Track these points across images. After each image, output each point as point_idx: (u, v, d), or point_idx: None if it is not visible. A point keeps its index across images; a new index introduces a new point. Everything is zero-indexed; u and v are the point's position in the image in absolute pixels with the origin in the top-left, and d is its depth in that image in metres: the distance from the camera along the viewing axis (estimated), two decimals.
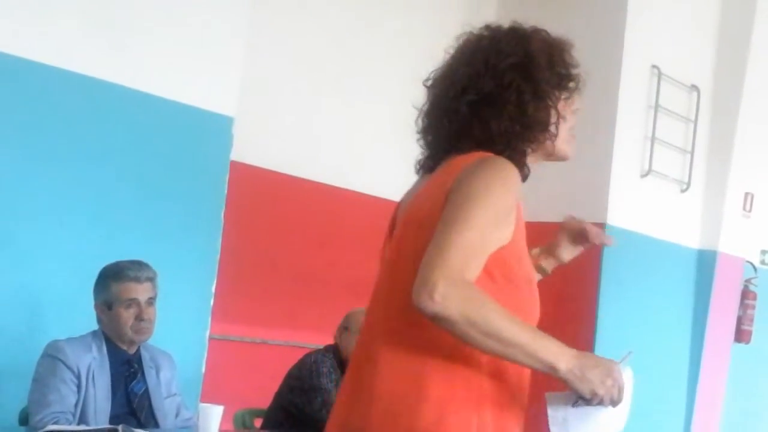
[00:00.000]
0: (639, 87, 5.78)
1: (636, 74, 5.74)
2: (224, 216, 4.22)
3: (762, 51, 6.27)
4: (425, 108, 1.99)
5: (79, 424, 3.10)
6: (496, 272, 1.75)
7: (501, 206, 1.73)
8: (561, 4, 5.90)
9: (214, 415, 2.96)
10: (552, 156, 1.99)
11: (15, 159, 3.63)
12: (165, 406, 3.35)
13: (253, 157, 4.70)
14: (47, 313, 3.67)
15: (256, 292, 4.88)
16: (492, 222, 1.71)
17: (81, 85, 3.78)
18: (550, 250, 2.38)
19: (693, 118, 6.11)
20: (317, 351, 3.91)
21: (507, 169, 1.78)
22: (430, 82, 2.01)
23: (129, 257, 3.37)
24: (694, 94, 6.12)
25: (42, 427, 2.89)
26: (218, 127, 4.16)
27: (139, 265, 3.32)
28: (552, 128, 1.89)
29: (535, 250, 2.31)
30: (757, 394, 6.86)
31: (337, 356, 3.86)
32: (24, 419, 3.24)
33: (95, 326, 3.31)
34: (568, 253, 2.41)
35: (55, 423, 3.02)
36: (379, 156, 5.39)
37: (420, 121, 1.98)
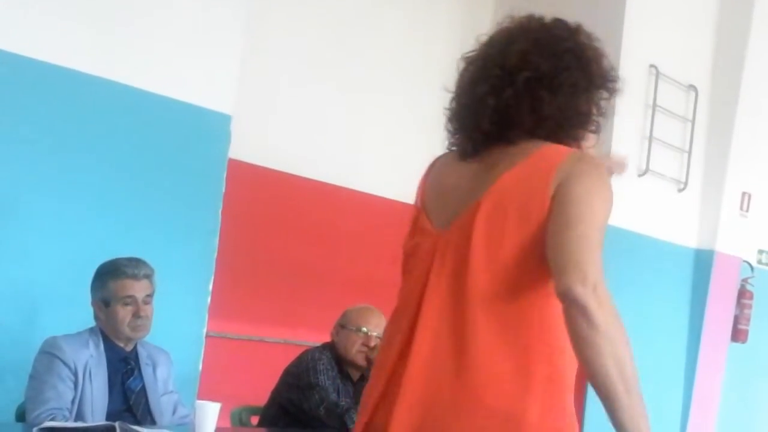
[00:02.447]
0: (637, 86, 5.78)
1: (634, 74, 5.74)
2: (222, 214, 4.22)
3: (759, 51, 6.28)
4: (462, 86, 1.92)
5: (75, 420, 3.11)
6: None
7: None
8: (558, 3, 5.90)
9: (210, 412, 2.96)
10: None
11: (11, 155, 3.63)
12: (162, 404, 3.36)
13: (251, 155, 4.71)
14: (44, 309, 3.68)
15: (253, 290, 4.89)
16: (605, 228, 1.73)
17: (79, 83, 3.78)
18: None
19: (690, 117, 6.12)
20: (314, 348, 3.91)
21: (602, 168, 1.80)
22: (466, 62, 1.95)
23: (126, 254, 3.37)
24: (692, 93, 6.12)
25: (39, 424, 2.89)
26: (216, 125, 4.17)
27: (137, 262, 3.33)
28: (592, 126, 1.87)
29: None
30: (753, 393, 6.86)
31: (334, 354, 3.86)
32: (21, 415, 3.24)
33: (92, 323, 3.31)
34: None
35: (52, 419, 3.02)
36: (378, 155, 5.40)
37: (453, 102, 1.92)
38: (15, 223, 3.64)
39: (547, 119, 1.79)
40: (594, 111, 1.85)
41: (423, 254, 1.79)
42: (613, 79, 1.90)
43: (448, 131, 1.90)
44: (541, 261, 1.68)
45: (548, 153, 1.76)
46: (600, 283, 1.63)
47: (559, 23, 1.93)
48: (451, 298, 1.72)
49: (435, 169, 1.96)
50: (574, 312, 1.62)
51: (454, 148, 1.90)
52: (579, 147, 1.85)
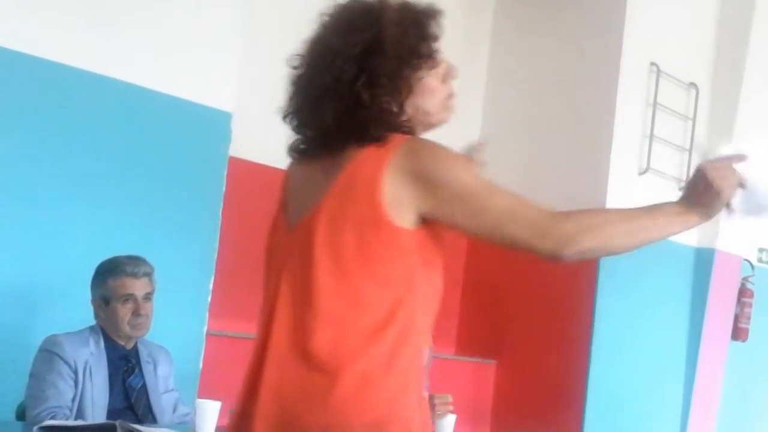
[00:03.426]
0: (637, 84, 5.78)
1: (635, 72, 5.74)
2: (222, 212, 4.21)
3: (761, 49, 6.27)
4: (298, 84, 1.92)
5: (76, 419, 3.10)
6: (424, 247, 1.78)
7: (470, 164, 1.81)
8: (559, 2, 5.90)
9: (211, 410, 2.96)
10: (427, 128, 1.95)
11: (11, 153, 3.62)
12: (162, 402, 3.35)
13: (252, 152, 4.70)
14: (45, 307, 3.67)
15: (253, 289, 4.87)
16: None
17: (79, 80, 3.77)
18: None
19: (691, 115, 6.12)
20: None
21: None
22: (295, 63, 1.92)
23: (126, 252, 3.37)
24: (693, 91, 6.12)
25: (39, 422, 2.89)
26: (217, 123, 4.16)
27: (137, 260, 3.32)
28: (406, 108, 1.85)
29: None
30: (753, 392, 6.86)
31: None
32: (21, 414, 3.24)
33: (93, 321, 3.31)
34: None
35: (53, 418, 3.02)
36: None
37: (291, 105, 1.93)
38: (14, 221, 3.63)
39: (362, 118, 1.79)
40: (407, 88, 1.84)
41: (279, 252, 1.86)
42: (424, 45, 1.88)
43: (294, 130, 1.94)
44: (380, 262, 1.72)
45: (373, 152, 1.77)
46: (552, 226, 1.72)
47: (363, 8, 1.88)
48: (299, 295, 1.77)
49: (293, 166, 1.99)
50: (585, 258, 1.77)
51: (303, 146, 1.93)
52: (410, 132, 1.85)
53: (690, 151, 6.12)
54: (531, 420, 5.51)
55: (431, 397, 3.07)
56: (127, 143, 3.93)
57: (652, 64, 5.82)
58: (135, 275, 3.28)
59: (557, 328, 5.58)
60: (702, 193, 1.89)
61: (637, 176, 5.83)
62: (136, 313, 3.27)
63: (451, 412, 3.30)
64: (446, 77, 1.95)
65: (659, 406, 6.05)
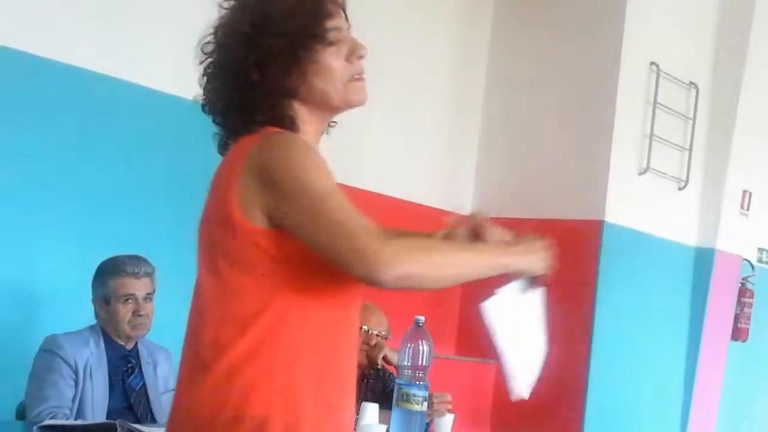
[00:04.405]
0: (637, 84, 5.78)
1: (634, 71, 5.74)
2: None
3: (760, 49, 6.27)
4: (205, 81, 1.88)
5: (76, 418, 3.11)
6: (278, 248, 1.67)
7: (323, 166, 1.70)
8: (559, 2, 5.90)
9: None
10: (334, 110, 1.87)
11: (11, 152, 3.63)
12: (162, 402, 3.36)
13: None
14: (45, 307, 3.67)
15: None
16: (331, 182, 1.69)
17: (79, 79, 3.77)
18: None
19: (691, 115, 6.12)
20: None
21: (291, 136, 1.74)
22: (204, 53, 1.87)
23: (128, 252, 3.37)
24: (693, 91, 6.12)
25: (39, 422, 2.89)
26: None
27: (137, 260, 3.32)
28: (303, 89, 1.78)
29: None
30: (753, 392, 6.87)
31: None
32: (21, 414, 3.24)
33: (93, 321, 3.31)
34: None
35: (53, 417, 3.02)
36: (381, 153, 5.39)
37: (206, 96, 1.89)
38: (15, 221, 3.63)
39: (249, 99, 1.77)
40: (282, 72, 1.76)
41: None
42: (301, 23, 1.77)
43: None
44: (244, 261, 1.67)
45: (234, 151, 1.77)
46: (370, 243, 1.56)
47: None
48: (194, 298, 1.76)
49: None
50: (399, 286, 1.59)
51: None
52: (293, 121, 1.78)
53: (690, 150, 6.12)
54: (531, 420, 5.50)
55: (430, 396, 3.07)
56: (127, 141, 3.93)
57: (652, 63, 5.82)
58: (136, 275, 3.28)
59: (557, 328, 5.56)
60: (525, 249, 1.84)
61: (637, 176, 5.83)
62: (136, 313, 3.27)
63: (450, 411, 3.30)
64: (351, 56, 1.83)
65: (659, 406, 6.05)
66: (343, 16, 1.85)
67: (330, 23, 1.80)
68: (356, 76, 1.84)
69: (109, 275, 3.28)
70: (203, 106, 1.89)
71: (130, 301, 3.26)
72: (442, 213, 5.65)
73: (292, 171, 1.65)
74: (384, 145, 5.42)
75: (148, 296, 3.31)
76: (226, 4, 1.86)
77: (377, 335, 3.79)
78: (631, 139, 5.77)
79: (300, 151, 1.69)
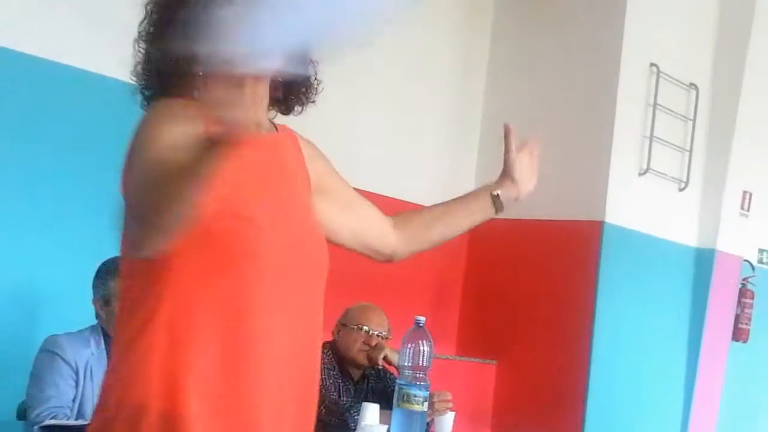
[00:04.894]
0: (637, 85, 5.78)
1: (634, 72, 5.74)
2: None
3: (761, 50, 6.27)
4: None
5: (76, 419, 3.11)
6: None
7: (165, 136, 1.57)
8: (558, 3, 5.91)
9: None
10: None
11: (13, 152, 3.63)
12: None
13: None
14: (45, 307, 3.68)
15: None
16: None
17: (83, 81, 3.78)
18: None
19: (692, 116, 6.12)
20: None
21: (152, 111, 1.67)
22: None
23: None
24: (693, 92, 6.12)
25: (40, 422, 2.89)
26: None
27: None
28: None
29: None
30: (754, 392, 6.86)
31: (335, 352, 3.85)
32: (22, 414, 3.24)
33: (94, 321, 3.31)
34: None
35: (53, 418, 3.02)
36: (379, 153, 5.40)
37: None
38: (15, 221, 3.64)
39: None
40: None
41: None
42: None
43: None
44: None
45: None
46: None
47: None
48: None
49: None
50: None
51: None
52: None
53: (690, 151, 6.12)
54: (531, 420, 5.51)
55: (431, 396, 3.07)
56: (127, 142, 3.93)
57: (652, 65, 5.82)
58: None
59: (558, 328, 5.58)
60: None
61: (637, 177, 5.83)
62: None
63: (451, 409, 3.30)
64: None
65: (660, 406, 6.05)
66: None
67: None
68: None
69: (109, 275, 3.28)
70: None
71: None
72: None
73: (139, 140, 1.61)
74: (384, 146, 5.43)
75: None
76: None
77: (378, 335, 3.80)
78: (632, 140, 5.78)
79: (155, 117, 1.63)
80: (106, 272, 3.30)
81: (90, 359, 3.21)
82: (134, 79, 1.77)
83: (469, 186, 6.00)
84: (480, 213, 2.11)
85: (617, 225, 5.65)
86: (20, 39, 3.66)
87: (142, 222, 1.50)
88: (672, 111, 5.98)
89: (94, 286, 3.31)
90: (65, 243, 3.74)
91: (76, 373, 3.17)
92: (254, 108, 1.62)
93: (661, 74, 5.85)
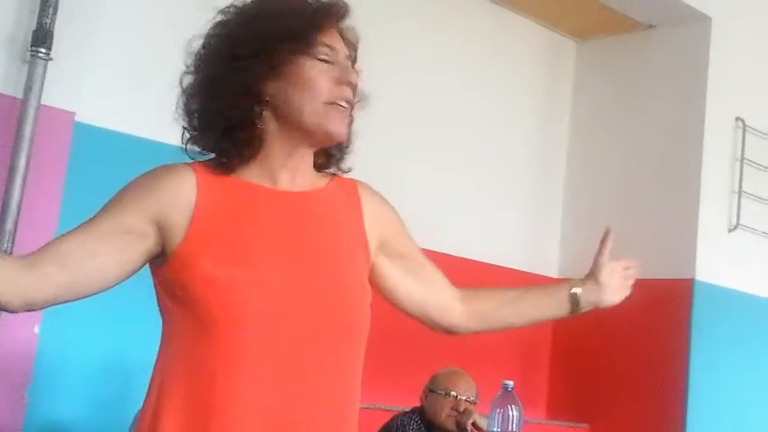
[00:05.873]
0: (723, 139, 5.71)
1: (720, 127, 5.68)
2: None
3: None
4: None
5: None
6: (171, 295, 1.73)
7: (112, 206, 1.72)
8: (642, 58, 5.89)
9: None
10: (306, 134, 1.71)
11: None
12: None
13: None
14: (139, 378, 3.73)
15: None
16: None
17: (171, 156, 3.86)
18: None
19: None
20: (403, 413, 3.89)
21: (139, 178, 1.76)
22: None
23: None
24: None
25: None
26: None
27: None
28: (279, 100, 1.68)
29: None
30: None
31: (423, 418, 3.84)
32: None
33: None
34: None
35: None
36: (469, 217, 5.40)
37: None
38: (109, 293, 3.71)
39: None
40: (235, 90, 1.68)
41: None
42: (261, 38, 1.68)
43: None
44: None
45: None
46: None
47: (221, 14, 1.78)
48: None
49: None
50: None
51: None
52: (285, 123, 1.70)
53: None
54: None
55: None
56: None
57: (737, 118, 5.75)
58: None
59: (650, 389, 5.46)
60: None
61: (727, 233, 5.73)
62: None
63: None
64: (340, 78, 1.70)
65: None
66: (342, 42, 1.75)
67: (322, 38, 1.71)
68: (339, 102, 1.70)
69: None
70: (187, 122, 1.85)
71: None
72: (527, 275, 5.63)
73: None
74: (467, 207, 5.43)
75: None
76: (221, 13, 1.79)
77: (466, 400, 3.77)
78: (720, 195, 5.69)
79: (133, 182, 1.74)
80: None
81: None
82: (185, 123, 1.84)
83: (553, 249, 5.99)
84: (553, 309, 2.04)
85: (708, 282, 5.54)
86: (111, 117, 3.77)
87: None
88: (760, 165, 5.88)
89: None
90: (155, 314, 3.80)
91: None
92: (295, 168, 1.73)
93: (747, 128, 5.77)
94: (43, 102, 3.47)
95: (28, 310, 1.64)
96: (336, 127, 1.70)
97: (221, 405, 1.61)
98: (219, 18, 1.76)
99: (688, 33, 5.71)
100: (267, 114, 1.69)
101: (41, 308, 1.66)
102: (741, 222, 5.75)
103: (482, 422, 3.65)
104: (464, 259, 5.10)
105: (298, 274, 1.68)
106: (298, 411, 1.64)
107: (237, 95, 1.67)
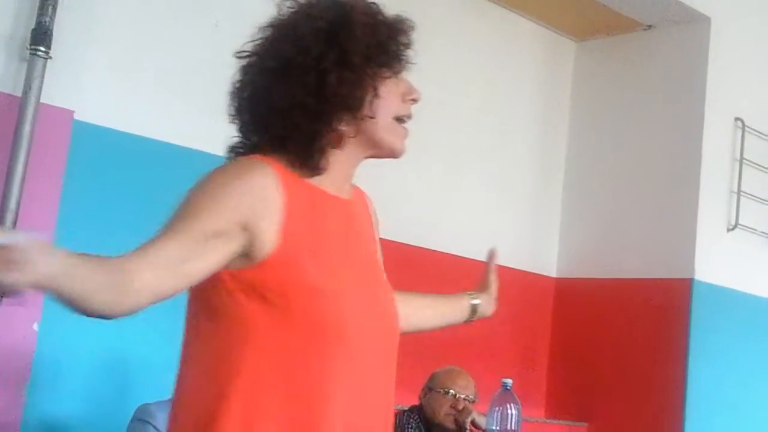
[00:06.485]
0: (722, 140, 5.71)
1: (719, 127, 5.68)
2: None
3: None
4: (235, 85, 1.75)
5: None
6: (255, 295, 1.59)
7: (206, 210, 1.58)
8: (641, 59, 5.89)
9: None
10: (374, 146, 1.73)
11: (106, 225, 3.72)
12: None
13: None
14: (137, 376, 3.74)
15: None
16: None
17: (170, 155, 3.87)
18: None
19: None
20: (402, 412, 3.90)
21: (225, 172, 1.63)
22: (241, 54, 1.74)
23: None
24: None
25: None
26: None
27: None
28: (365, 107, 1.66)
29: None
30: None
31: (422, 416, 3.84)
32: None
33: None
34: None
35: None
36: (468, 217, 5.40)
37: (231, 101, 1.77)
38: None
39: (286, 109, 1.64)
40: (365, 89, 1.65)
41: None
42: (390, 51, 1.69)
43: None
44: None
45: None
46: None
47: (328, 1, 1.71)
48: None
49: None
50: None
51: None
52: (371, 132, 1.69)
53: None
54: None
55: None
56: None
57: (737, 119, 5.75)
58: None
59: (649, 387, 5.47)
60: None
61: (726, 233, 5.73)
62: None
63: None
64: (406, 95, 1.74)
65: None
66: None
67: (404, 50, 1.73)
68: (404, 117, 1.74)
69: None
70: (233, 115, 1.78)
71: None
72: (526, 275, 5.63)
73: (183, 199, 1.62)
74: (466, 206, 5.43)
75: None
76: (281, 12, 1.73)
77: (465, 399, 3.78)
78: (718, 195, 5.69)
79: (208, 183, 1.62)
80: None
81: None
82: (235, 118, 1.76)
83: (551, 249, 5.99)
84: (456, 316, 2.16)
85: (707, 282, 5.55)
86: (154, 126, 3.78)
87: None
88: (759, 165, 5.88)
89: None
90: (157, 310, 3.80)
91: None
92: (351, 177, 1.74)
93: (746, 128, 5.78)
94: (42, 100, 3.47)
95: (122, 317, 1.59)
96: (400, 144, 1.74)
97: (325, 425, 1.57)
98: (308, 25, 1.67)
99: (688, 33, 5.71)
100: (351, 124, 1.68)
101: (133, 314, 1.61)
102: (740, 222, 5.75)
103: (481, 421, 3.65)
104: (463, 257, 5.10)
105: (366, 286, 1.70)
106: (371, 421, 1.66)
107: (335, 104, 1.64)
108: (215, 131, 4.01)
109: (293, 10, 1.71)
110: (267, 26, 1.72)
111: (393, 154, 1.75)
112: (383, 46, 1.68)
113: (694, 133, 5.58)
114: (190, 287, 1.65)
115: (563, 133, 6.06)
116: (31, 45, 3.46)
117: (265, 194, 1.59)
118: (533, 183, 5.86)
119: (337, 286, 1.61)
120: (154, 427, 3.21)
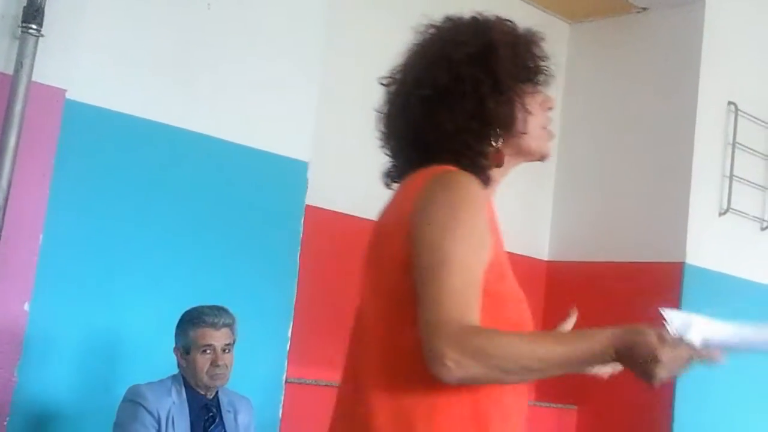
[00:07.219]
0: (716, 124, 5.71)
1: (712, 111, 5.68)
2: (300, 259, 4.25)
3: None
4: (385, 110, 1.80)
5: None
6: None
7: (476, 233, 1.58)
8: (635, 41, 5.88)
9: None
10: (526, 155, 1.81)
11: (96, 206, 3.71)
12: None
13: (328, 200, 4.74)
14: (128, 357, 3.73)
15: (332, 335, 4.89)
16: (472, 253, 1.56)
17: (161, 134, 3.86)
18: None
19: None
20: None
21: (466, 185, 1.62)
22: (388, 80, 1.81)
23: (208, 302, 3.41)
24: None
25: None
26: (293, 172, 4.21)
27: (218, 310, 3.36)
28: (519, 124, 1.73)
29: None
30: None
31: None
32: None
33: (175, 370, 3.35)
34: None
35: None
36: None
37: (382, 125, 1.80)
38: (98, 272, 3.71)
39: (456, 133, 1.69)
40: (516, 107, 1.72)
41: None
42: (535, 67, 1.76)
43: (387, 156, 1.83)
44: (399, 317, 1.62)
45: (415, 178, 1.67)
46: (445, 347, 1.47)
47: (470, 23, 1.78)
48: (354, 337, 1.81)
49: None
50: (463, 385, 1.53)
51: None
52: (523, 144, 1.76)
53: None
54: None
55: None
56: (207, 194, 3.99)
57: (730, 103, 5.75)
58: (215, 326, 3.32)
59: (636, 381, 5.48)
60: (638, 359, 1.65)
61: (718, 217, 5.74)
62: (214, 363, 3.30)
63: None
64: (544, 104, 1.81)
65: None
66: None
67: (543, 65, 1.80)
68: (548, 126, 1.82)
69: (190, 325, 3.32)
70: (383, 140, 1.81)
71: (208, 351, 3.30)
72: (518, 258, 5.63)
73: (433, 219, 1.57)
74: None
75: (227, 347, 3.34)
76: (423, 36, 1.80)
77: None
78: (711, 179, 5.70)
79: (455, 197, 1.60)
80: (185, 322, 3.34)
81: (172, 408, 3.24)
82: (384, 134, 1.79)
83: (543, 233, 5.99)
84: None
85: (698, 266, 5.55)
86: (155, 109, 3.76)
87: (437, 332, 1.49)
88: (752, 149, 5.89)
89: (176, 336, 3.35)
90: (147, 292, 3.80)
91: (159, 422, 3.20)
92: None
93: (739, 112, 5.77)
94: (34, 79, 3.45)
95: None
96: (548, 149, 1.82)
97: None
98: (458, 52, 1.72)
99: (681, 16, 5.70)
100: (508, 141, 1.76)
101: None
102: (732, 206, 5.76)
103: None
104: None
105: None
106: None
107: (495, 125, 1.71)
108: (208, 111, 4.02)
109: (437, 35, 1.78)
110: (411, 53, 1.79)
111: (542, 158, 1.85)
112: (525, 64, 1.76)
113: (687, 116, 5.58)
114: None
115: (556, 115, 6.03)
116: (22, 23, 3.43)
117: (484, 200, 1.68)
118: (525, 167, 5.84)
119: (518, 295, 1.76)
120: (145, 408, 3.21)
